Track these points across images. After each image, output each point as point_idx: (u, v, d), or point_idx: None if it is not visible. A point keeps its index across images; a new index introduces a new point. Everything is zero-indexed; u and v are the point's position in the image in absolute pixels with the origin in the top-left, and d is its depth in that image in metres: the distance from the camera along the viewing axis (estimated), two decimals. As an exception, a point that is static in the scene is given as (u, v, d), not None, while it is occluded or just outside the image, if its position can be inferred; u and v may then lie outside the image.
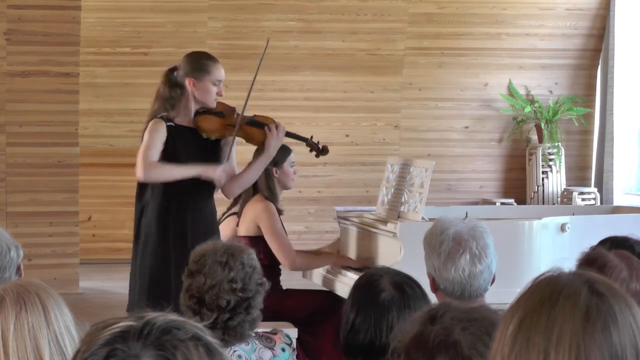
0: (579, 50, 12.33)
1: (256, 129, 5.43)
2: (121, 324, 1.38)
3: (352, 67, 11.81)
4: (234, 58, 11.39)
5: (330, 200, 11.63)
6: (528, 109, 12.09)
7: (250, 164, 5.49)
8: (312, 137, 5.89)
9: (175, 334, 1.36)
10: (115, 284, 9.63)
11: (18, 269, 3.29)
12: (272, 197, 5.88)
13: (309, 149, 5.88)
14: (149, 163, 5.13)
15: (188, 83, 5.22)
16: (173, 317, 1.40)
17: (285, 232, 5.90)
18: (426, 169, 5.65)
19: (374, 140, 12.00)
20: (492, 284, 3.48)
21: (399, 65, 11.96)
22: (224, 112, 5.34)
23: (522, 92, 12.27)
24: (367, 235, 5.95)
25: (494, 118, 12.31)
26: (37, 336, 2.39)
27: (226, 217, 6.23)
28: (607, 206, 9.67)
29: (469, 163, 12.30)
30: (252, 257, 3.37)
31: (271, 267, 5.83)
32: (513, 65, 12.22)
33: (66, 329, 2.43)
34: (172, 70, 5.33)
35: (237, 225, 6.02)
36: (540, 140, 12.18)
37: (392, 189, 5.89)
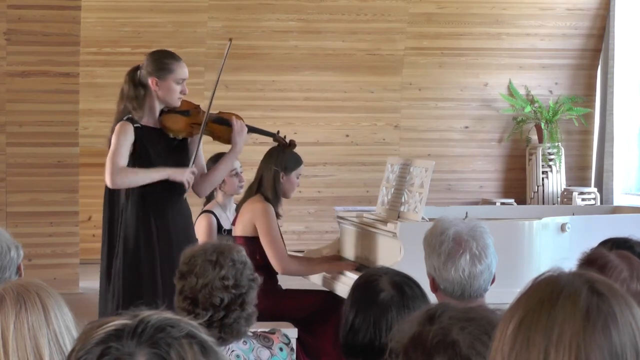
0: (579, 50, 12.33)
1: (222, 126, 5.40)
2: (116, 322, 1.38)
3: (352, 67, 11.81)
4: (234, 58, 11.37)
5: (330, 200, 11.62)
6: (528, 109, 12.09)
7: (219, 162, 5.48)
8: (278, 132, 5.85)
9: (170, 332, 1.36)
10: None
11: (18, 269, 3.29)
12: (275, 199, 5.87)
13: (276, 144, 5.86)
14: (117, 169, 5.12)
15: (151, 82, 5.21)
16: (168, 315, 1.40)
17: (281, 236, 5.90)
18: (426, 169, 5.64)
19: (374, 140, 12.00)
20: (492, 284, 3.48)
21: (399, 65, 11.96)
22: (189, 111, 5.33)
23: (522, 92, 12.27)
24: (367, 235, 5.95)
25: (494, 118, 12.32)
26: (37, 335, 2.39)
27: (199, 216, 6.22)
28: (607, 206, 9.67)
29: (469, 163, 12.30)
30: (241, 253, 3.37)
31: (268, 267, 5.83)
32: (513, 65, 12.23)
33: (66, 329, 2.43)
34: (136, 69, 5.31)
35: (233, 223, 6.01)
36: (540, 140, 12.18)
37: (392, 189, 5.89)
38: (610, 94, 12.11)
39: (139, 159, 5.17)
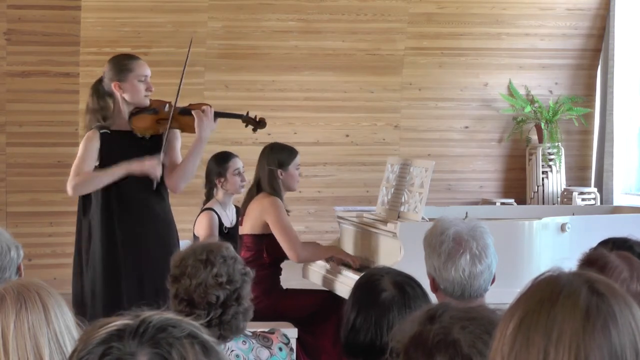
0: (579, 50, 12.33)
1: (188, 116, 5.36)
2: (117, 322, 1.38)
3: (352, 67, 11.80)
4: (234, 58, 11.39)
5: (330, 200, 11.62)
6: (528, 109, 12.09)
7: (187, 154, 5.40)
8: (247, 112, 5.75)
9: (171, 332, 1.36)
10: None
11: (18, 269, 3.29)
12: (276, 196, 5.88)
13: (244, 124, 5.78)
14: (74, 176, 5.12)
15: (114, 87, 5.21)
16: (169, 315, 1.40)
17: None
18: (426, 169, 5.65)
19: (374, 140, 12.00)
20: (492, 284, 3.48)
21: (399, 65, 11.96)
22: (156, 108, 5.31)
23: (522, 92, 12.27)
24: (367, 235, 5.95)
25: (494, 118, 12.31)
26: (37, 335, 2.39)
27: (200, 214, 6.22)
28: (607, 206, 9.67)
29: (469, 163, 12.30)
30: (230, 249, 3.39)
31: (273, 266, 5.84)
32: (513, 65, 12.22)
33: (66, 329, 2.43)
34: (99, 81, 5.32)
35: (241, 224, 6.01)
36: (540, 140, 12.18)
37: (392, 189, 5.89)
38: (610, 94, 12.11)
39: (106, 163, 5.16)
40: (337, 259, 5.96)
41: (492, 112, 12.30)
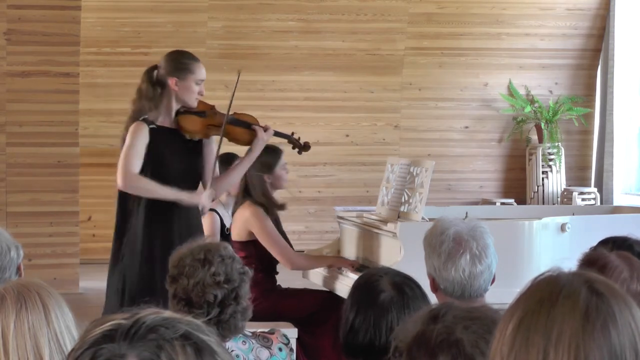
0: (579, 50, 12.33)
1: (240, 128, 5.38)
2: (112, 322, 1.37)
3: (352, 67, 11.81)
4: (234, 58, 11.39)
5: (330, 200, 11.63)
6: (528, 109, 12.09)
7: (235, 165, 5.44)
8: (293, 133, 5.82)
9: (162, 333, 1.34)
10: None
11: (18, 269, 3.29)
12: (269, 204, 5.87)
13: (291, 146, 5.83)
14: (131, 175, 5.09)
15: (171, 82, 5.19)
16: (166, 314, 1.37)
17: (285, 234, 5.89)
18: (426, 169, 5.64)
19: (374, 140, 12.00)
20: (492, 284, 3.48)
21: (399, 65, 11.96)
22: (205, 112, 5.30)
23: (522, 92, 12.27)
24: (367, 235, 5.95)
25: (494, 118, 12.32)
26: (37, 335, 2.39)
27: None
28: (607, 206, 9.67)
29: (469, 163, 12.30)
30: (228, 249, 3.38)
31: (266, 269, 5.84)
32: (513, 65, 12.23)
33: (66, 329, 2.43)
34: (153, 68, 5.29)
35: (230, 229, 6.04)
36: (540, 140, 12.18)
37: (392, 189, 5.89)
38: (610, 94, 12.11)
39: (153, 160, 5.14)
40: (338, 267, 5.96)
41: (492, 112, 12.30)
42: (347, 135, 11.94)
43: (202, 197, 5.17)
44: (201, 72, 5.29)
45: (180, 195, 5.10)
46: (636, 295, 2.89)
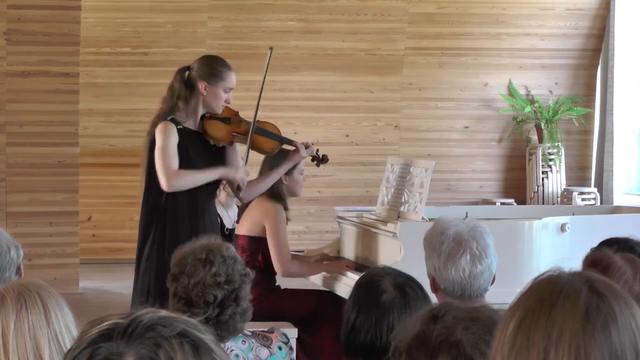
0: (579, 50, 12.33)
1: (265, 138, 5.46)
2: (110, 321, 1.37)
3: (352, 67, 11.81)
4: (234, 58, 11.33)
5: (330, 200, 11.63)
6: (528, 109, 12.09)
7: (270, 172, 5.59)
8: (312, 144, 5.90)
9: (160, 332, 1.34)
10: (115, 284, 9.63)
11: (18, 269, 3.29)
12: (283, 205, 5.86)
13: (310, 158, 5.88)
14: (172, 172, 5.09)
15: (201, 86, 5.22)
16: (163, 313, 1.38)
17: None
18: (426, 169, 5.64)
19: (374, 140, 12.00)
20: (492, 284, 3.48)
21: (399, 65, 11.96)
22: (230, 119, 5.34)
23: (522, 92, 12.27)
24: (367, 235, 5.95)
25: (494, 118, 12.32)
26: (37, 335, 2.39)
27: None
28: (607, 206, 9.67)
29: (469, 163, 12.30)
30: (231, 249, 3.38)
31: (268, 269, 5.83)
32: (513, 65, 12.23)
33: (66, 329, 2.43)
34: (185, 69, 5.32)
35: (237, 222, 6.00)
36: (540, 140, 12.18)
37: (392, 189, 5.89)
38: (610, 94, 12.11)
39: (182, 160, 5.16)
40: (336, 272, 5.94)
41: (492, 112, 12.30)
42: (347, 135, 11.94)
43: (239, 172, 5.28)
44: (232, 80, 5.34)
45: (220, 172, 5.23)
46: (638, 297, 2.89)
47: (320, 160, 5.88)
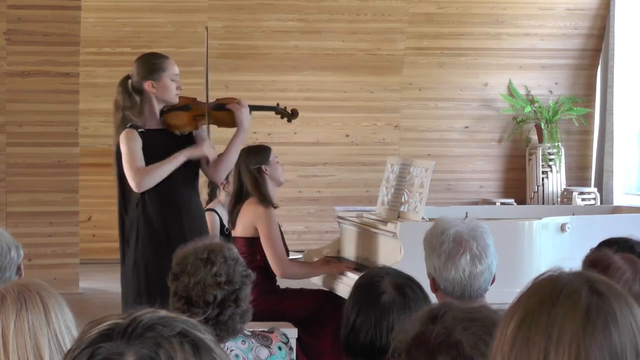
0: (579, 50, 12.33)
1: (224, 112, 5.44)
2: (109, 322, 1.37)
3: (352, 67, 11.81)
4: (234, 58, 11.39)
5: (330, 200, 11.62)
6: (528, 109, 12.09)
7: (228, 144, 5.44)
8: (278, 104, 5.84)
9: (160, 331, 1.34)
10: (115, 284, 9.58)
11: (18, 269, 3.29)
12: (269, 198, 5.85)
13: (279, 116, 5.85)
14: (137, 172, 5.13)
15: (147, 86, 5.24)
16: (163, 313, 1.38)
17: (283, 239, 5.89)
18: (426, 169, 5.64)
19: (374, 140, 12.00)
20: (492, 284, 3.48)
21: (399, 65, 11.96)
22: (189, 105, 5.37)
23: (522, 92, 12.27)
24: (367, 235, 5.95)
25: (494, 118, 12.32)
26: (37, 335, 2.39)
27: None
28: (607, 206, 9.67)
29: (469, 163, 12.30)
30: (232, 250, 3.38)
31: (268, 269, 5.82)
32: (513, 65, 12.23)
33: (66, 328, 2.43)
34: (126, 78, 5.35)
35: (233, 226, 6.00)
36: (540, 140, 12.18)
37: (392, 189, 5.89)
38: (610, 94, 12.11)
39: (151, 162, 5.18)
40: (335, 274, 5.94)
41: (492, 112, 12.30)
42: (347, 135, 11.94)
43: (203, 147, 5.25)
44: (173, 68, 5.34)
45: (184, 153, 5.17)
46: (638, 297, 2.89)
47: (290, 115, 5.81)
